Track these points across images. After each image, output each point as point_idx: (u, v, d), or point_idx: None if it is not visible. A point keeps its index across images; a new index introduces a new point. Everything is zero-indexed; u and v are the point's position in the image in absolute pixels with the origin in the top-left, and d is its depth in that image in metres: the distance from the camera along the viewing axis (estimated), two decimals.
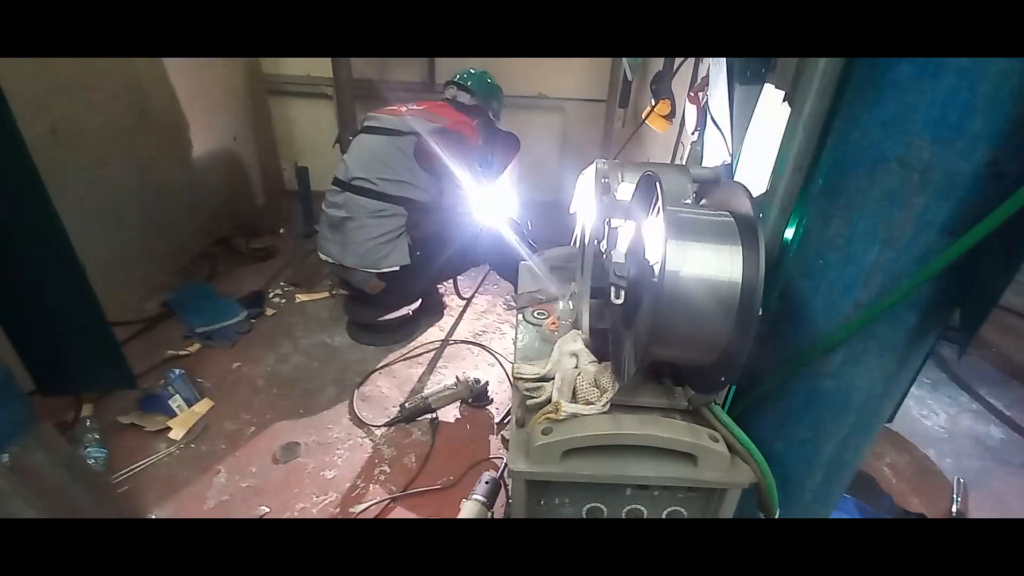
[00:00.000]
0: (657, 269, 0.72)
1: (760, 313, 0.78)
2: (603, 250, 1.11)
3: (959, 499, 1.55)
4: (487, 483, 1.47)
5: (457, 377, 1.85)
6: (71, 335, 1.47)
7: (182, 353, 2.01)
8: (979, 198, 0.72)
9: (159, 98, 2.04)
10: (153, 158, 2.04)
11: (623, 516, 0.92)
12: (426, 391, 1.84)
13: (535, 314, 1.20)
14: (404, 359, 2.09)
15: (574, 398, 0.87)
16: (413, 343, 2.18)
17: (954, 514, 1.51)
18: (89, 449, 1.51)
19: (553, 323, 1.15)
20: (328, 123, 3.30)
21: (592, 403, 0.84)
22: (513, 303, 1.26)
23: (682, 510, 0.91)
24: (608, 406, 0.84)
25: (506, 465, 1.59)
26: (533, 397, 0.90)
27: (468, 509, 1.39)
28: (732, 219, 0.76)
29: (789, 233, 0.96)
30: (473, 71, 2.20)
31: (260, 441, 1.68)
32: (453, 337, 2.23)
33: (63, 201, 1.33)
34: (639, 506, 0.91)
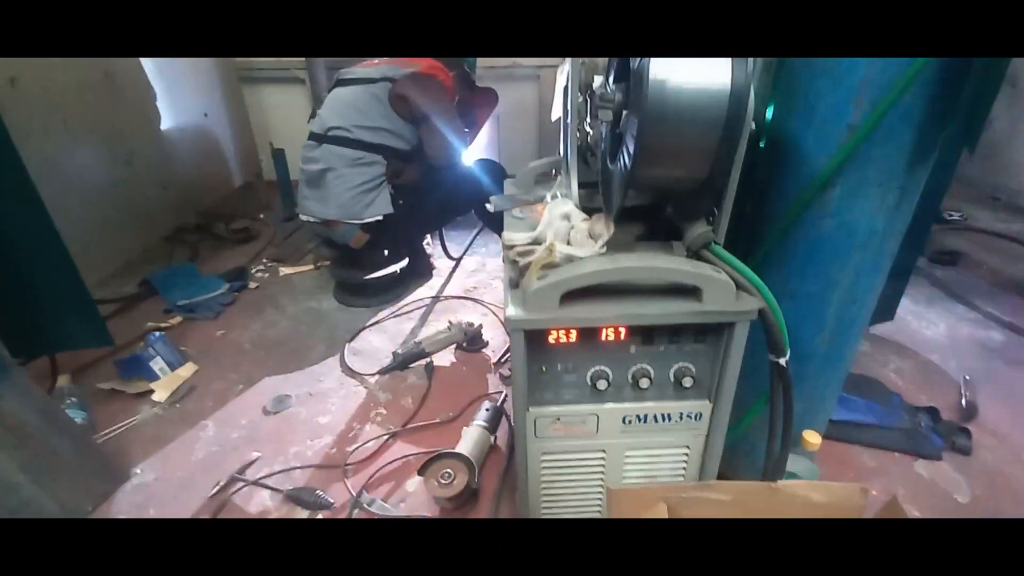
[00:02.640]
0: (644, 81, 0.68)
1: (753, 127, 0.76)
2: (586, 130, 1.09)
3: (968, 393, 1.53)
4: (488, 410, 1.42)
5: (450, 321, 1.80)
6: (41, 292, 1.40)
7: (163, 326, 1.94)
8: None
9: (124, 64, 1.99)
10: (122, 124, 1.99)
11: (629, 379, 0.87)
12: (419, 337, 1.79)
13: (519, 211, 1.16)
14: (395, 316, 2.04)
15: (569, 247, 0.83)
16: (403, 302, 2.13)
17: (964, 407, 1.49)
18: (68, 411, 1.43)
19: (541, 214, 1.11)
20: (303, 107, 3.26)
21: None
22: (492, 207, 1.21)
23: (690, 366, 0.86)
24: (605, 249, 0.80)
25: (506, 397, 1.55)
26: (525, 258, 0.86)
27: (470, 434, 1.34)
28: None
29: (769, 112, 0.94)
30: None
31: (249, 397, 1.62)
32: (444, 294, 2.18)
33: (28, 156, 1.28)
34: (645, 365, 0.87)
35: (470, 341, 1.80)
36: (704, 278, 0.76)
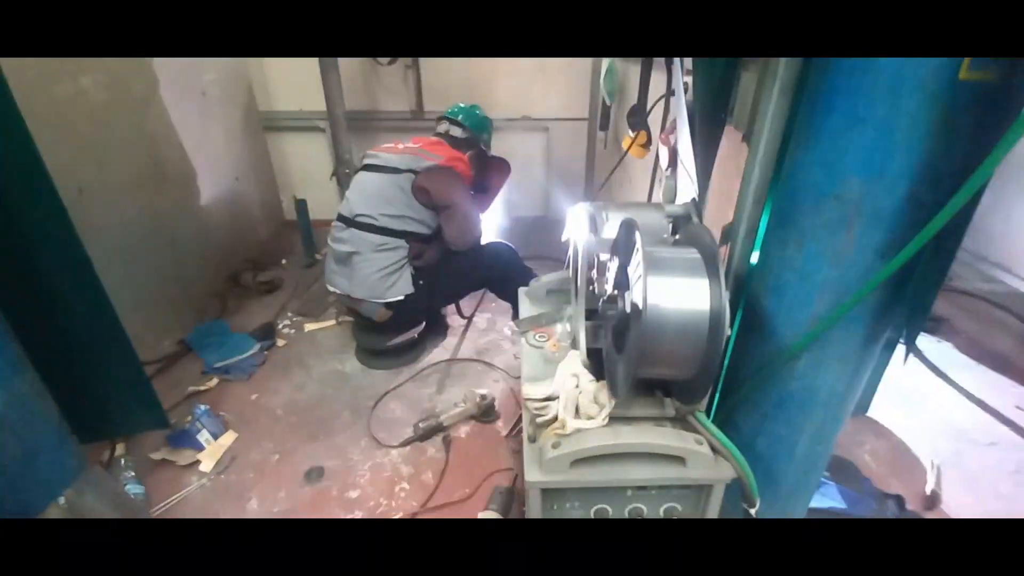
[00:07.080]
0: (641, 303, 0.85)
1: (729, 334, 0.92)
2: (593, 279, 1.25)
3: (933, 481, 1.68)
4: (501, 494, 1.59)
5: (465, 395, 1.97)
6: (106, 381, 1.58)
7: (202, 388, 2.12)
8: (906, 224, 0.86)
9: (169, 150, 2.17)
10: (167, 210, 2.17)
11: (626, 515, 1.04)
12: (437, 409, 1.96)
13: (536, 337, 1.33)
14: (412, 380, 2.21)
15: (577, 414, 1.00)
16: (420, 364, 2.30)
17: (928, 495, 1.65)
18: (128, 487, 1.62)
19: (554, 345, 1.28)
20: (322, 155, 3.44)
21: (593, 418, 0.97)
22: (517, 328, 1.39)
23: (677, 505, 1.03)
24: (607, 420, 0.97)
25: (517, 476, 1.72)
26: (541, 415, 1.03)
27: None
28: (699, 256, 0.90)
29: (755, 257, 1.10)
30: (463, 105, 2.33)
31: (285, 468, 1.79)
32: (458, 355, 2.36)
33: (90, 254, 1.44)
34: (639, 505, 1.03)
35: (483, 413, 1.97)
36: (688, 451, 0.93)
